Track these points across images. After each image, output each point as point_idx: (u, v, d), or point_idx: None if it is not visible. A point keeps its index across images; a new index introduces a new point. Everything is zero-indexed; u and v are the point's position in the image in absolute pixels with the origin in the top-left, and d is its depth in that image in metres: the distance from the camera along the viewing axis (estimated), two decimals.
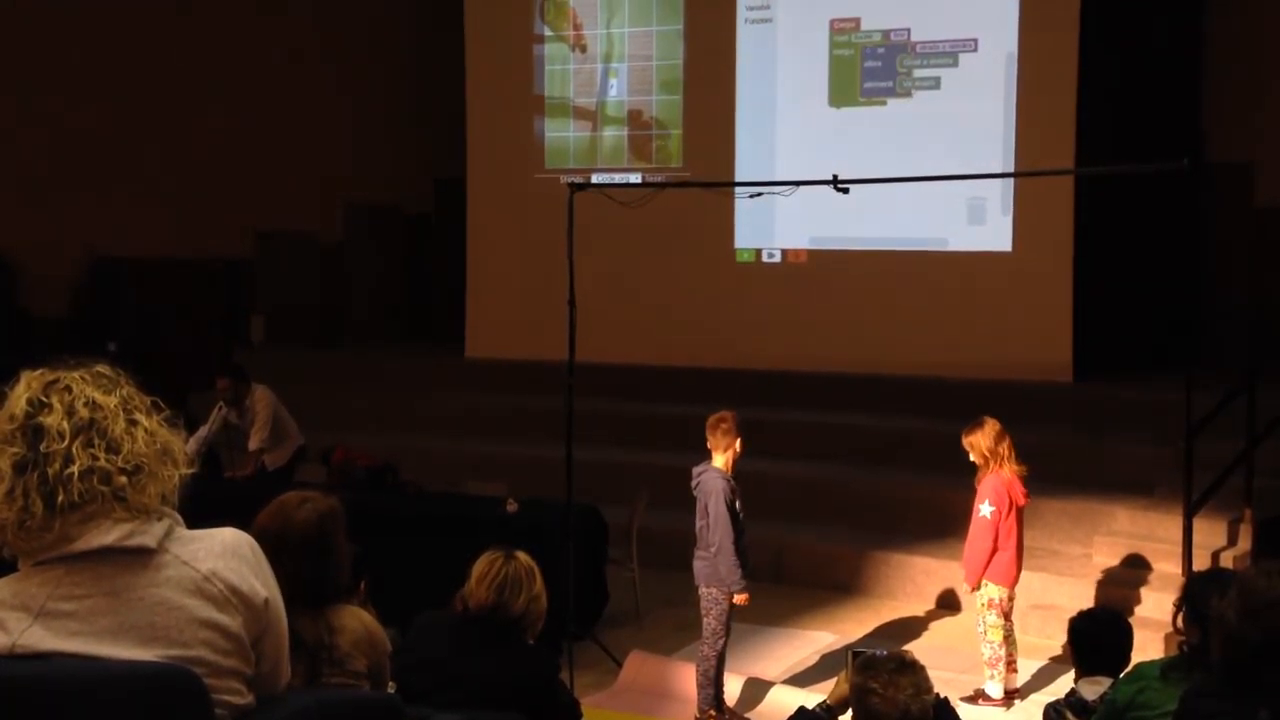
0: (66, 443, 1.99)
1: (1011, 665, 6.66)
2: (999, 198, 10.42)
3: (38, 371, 2.07)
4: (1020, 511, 6.58)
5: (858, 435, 9.87)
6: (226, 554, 2.08)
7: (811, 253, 11.15)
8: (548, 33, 12.11)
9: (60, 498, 1.97)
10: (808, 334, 10.90)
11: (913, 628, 7.85)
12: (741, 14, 11.28)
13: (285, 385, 9.65)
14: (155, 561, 2.01)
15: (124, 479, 2.01)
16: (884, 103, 10.79)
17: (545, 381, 9.35)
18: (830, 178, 6.74)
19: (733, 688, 6.53)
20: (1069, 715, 4.06)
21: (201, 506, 2.24)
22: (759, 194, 8.61)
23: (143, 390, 2.13)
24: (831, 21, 10.95)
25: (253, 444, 8.93)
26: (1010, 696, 6.61)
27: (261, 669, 2.13)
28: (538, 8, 12.10)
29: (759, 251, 11.35)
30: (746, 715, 6.43)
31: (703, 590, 6.28)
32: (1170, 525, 7.62)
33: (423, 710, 3.37)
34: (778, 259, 11.30)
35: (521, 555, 4.03)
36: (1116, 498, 8.35)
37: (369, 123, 13.19)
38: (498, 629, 3.92)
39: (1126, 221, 10.39)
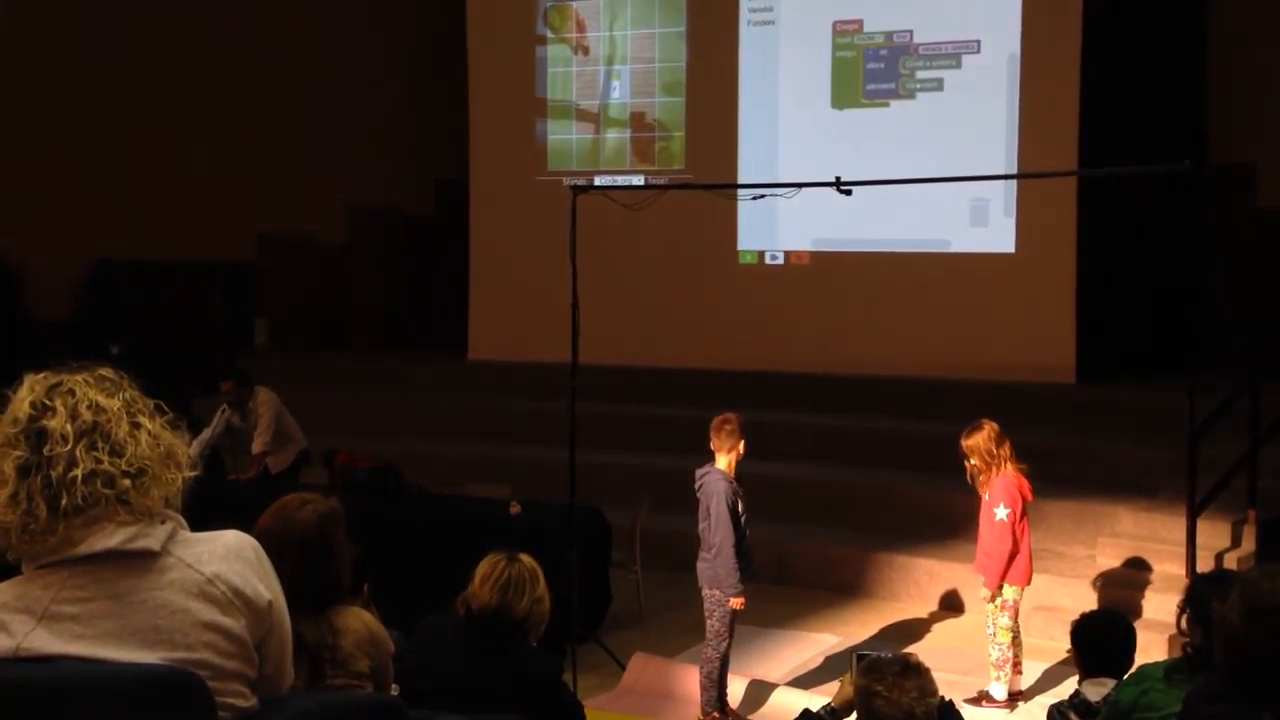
0: (70, 446, 1.99)
1: (1016, 667, 6.65)
2: (1002, 199, 10.41)
3: (41, 375, 2.07)
4: (1026, 511, 6.57)
5: (861, 437, 9.87)
6: (230, 556, 2.08)
7: (814, 255, 11.14)
8: (550, 35, 12.11)
9: (64, 501, 1.97)
10: (810, 336, 10.89)
11: (916, 629, 7.84)
12: (744, 16, 11.28)
13: (288, 388, 9.66)
14: (159, 564, 2.02)
15: (127, 482, 2.01)
16: (886, 104, 10.79)
17: (548, 384, 9.35)
18: (833, 180, 6.73)
19: (736, 690, 6.53)
20: (1072, 717, 4.05)
21: (205, 509, 2.24)
22: (761, 196, 8.62)
23: (146, 393, 2.14)
24: (834, 23, 10.95)
25: (256, 446, 8.93)
26: (1014, 698, 6.60)
27: (265, 671, 2.13)
28: (540, 10, 12.11)
29: (762, 253, 11.35)
30: (750, 717, 6.43)
31: (706, 592, 6.28)
32: (1174, 527, 7.62)
33: (426, 712, 3.37)
34: (780, 261, 11.30)
35: (525, 557, 4.03)
36: (1120, 499, 8.34)
37: (372, 126, 13.20)
38: (501, 631, 3.92)
39: (1129, 223, 10.39)
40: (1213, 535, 7.57)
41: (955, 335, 10.42)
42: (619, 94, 11.84)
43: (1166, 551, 7.69)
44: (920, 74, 10.65)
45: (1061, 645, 7.02)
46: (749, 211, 11.05)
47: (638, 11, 11.71)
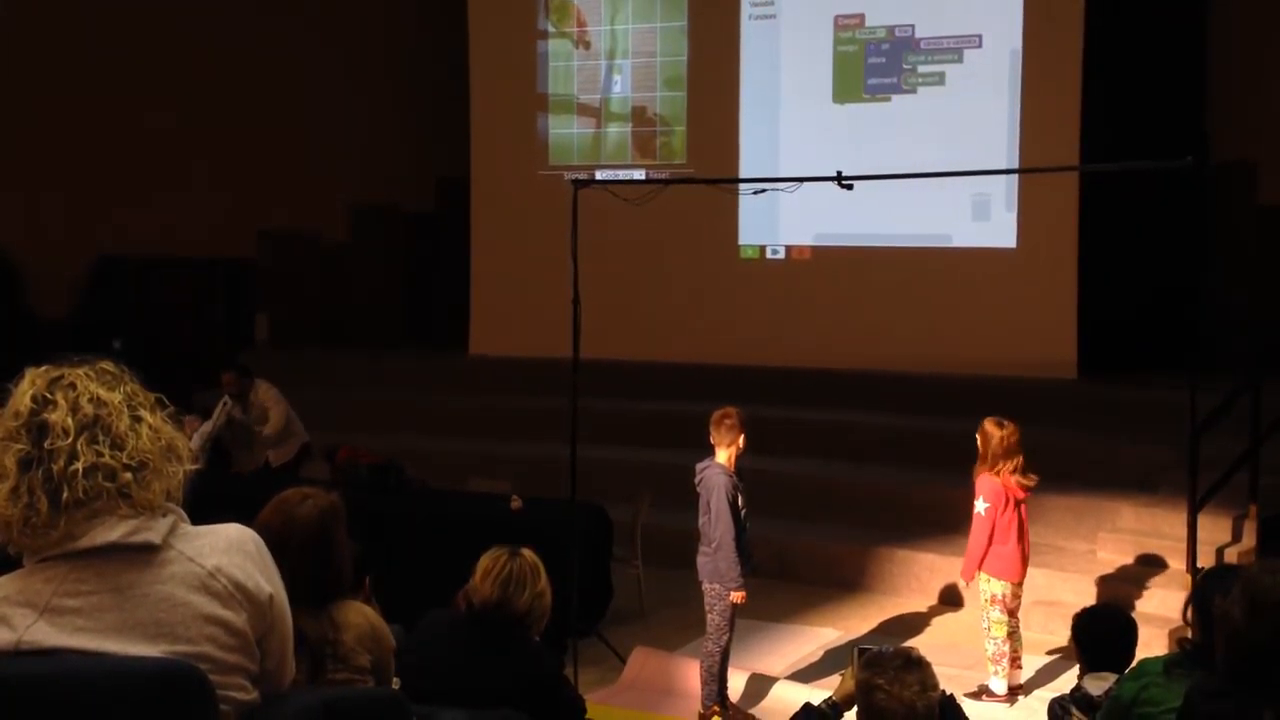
0: (71, 439, 1.99)
1: (1016, 661, 6.65)
2: (1003, 194, 10.41)
3: (42, 368, 2.07)
4: (1022, 507, 6.57)
5: (861, 431, 9.87)
6: (231, 550, 2.08)
7: (815, 249, 11.14)
8: (551, 29, 12.10)
9: (65, 495, 1.97)
10: (811, 331, 10.89)
11: (917, 624, 7.85)
12: (745, 10, 11.27)
13: (289, 385, 9.66)
14: (160, 558, 2.02)
15: (129, 475, 2.01)
16: (888, 99, 10.78)
17: (549, 379, 9.35)
18: (834, 174, 6.73)
19: (737, 684, 6.53)
20: (1074, 711, 4.06)
21: (206, 503, 2.24)
22: (763, 190, 8.61)
23: (146, 387, 2.14)
24: (836, 18, 10.94)
25: (269, 429, 8.94)
26: (1014, 692, 6.61)
27: (266, 665, 2.13)
28: (541, 4, 12.10)
29: (763, 248, 11.34)
30: (750, 711, 6.43)
31: (706, 587, 6.28)
32: (1175, 522, 7.62)
33: (427, 707, 3.37)
34: (781, 256, 11.30)
35: (526, 552, 4.03)
36: (1121, 495, 8.34)
37: (372, 121, 13.19)
38: (502, 626, 3.92)
39: (1130, 218, 10.38)
40: (1213, 531, 7.57)
41: (956, 331, 10.42)
42: (620, 88, 11.84)
43: (1167, 547, 7.70)
44: (922, 69, 10.64)
45: (1062, 639, 7.04)
46: (750, 206, 11.07)
47: (639, 6, 11.70)
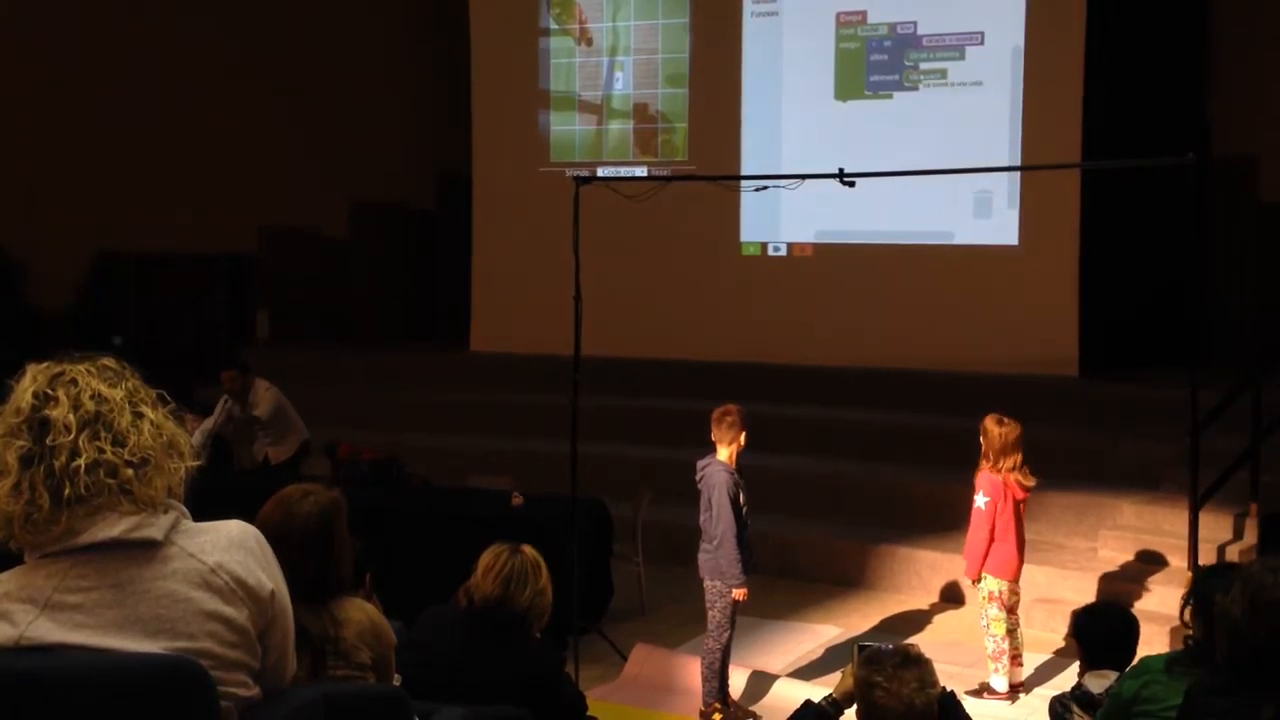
0: (73, 436, 1.99)
1: (1016, 659, 6.65)
2: (1005, 191, 10.40)
3: (43, 365, 2.07)
4: (1020, 505, 6.57)
5: (862, 429, 9.87)
6: (233, 547, 2.08)
7: (817, 247, 11.14)
8: (553, 26, 12.10)
9: (66, 491, 1.97)
10: (813, 328, 10.89)
11: (917, 621, 7.85)
12: (747, 7, 11.27)
13: (290, 381, 9.66)
14: (161, 554, 2.02)
15: (130, 472, 2.01)
16: (890, 96, 10.78)
17: (550, 376, 9.35)
18: (836, 171, 6.73)
19: (738, 681, 6.53)
20: (1074, 709, 4.06)
21: (207, 499, 2.24)
22: (764, 188, 8.61)
23: (148, 384, 2.14)
24: (838, 15, 10.93)
25: (260, 413, 8.95)
26: (1015, 690, 6.61)
27: (267, 662, 2.13)
28: (543, 1, 12.09)
29: (764, 245, 11.34)
30: (751, 709, 6.43)
31: (707, 584, 6.28)
32: (1176, 520, 7.62)
33: (428, 703, 3.37)
34: (783, 253, 11.29)
35: (527, 549, 4.03)
36: (1122, 492, 8.34)
37: (373, 118, 13.19)
38: (503, 623, 3.93)
39: (1132, 215, 10.37)
40: (1214, 528, 7.57)
41: (958, 328, 10.41)
42: (622, 85, 11.83)
43: (1169, 544, 7.70)
44: (924, 66, 10.64)
45: (1063, 637, 7.04)
46: (752, 203, 11.06)
47: (641, 3, 11.69)
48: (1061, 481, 8.31)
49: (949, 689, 3.35)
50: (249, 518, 2.25)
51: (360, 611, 3.18)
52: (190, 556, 2.03)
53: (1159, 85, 10.55)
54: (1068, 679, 5.75)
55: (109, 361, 2.11)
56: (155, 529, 2.02)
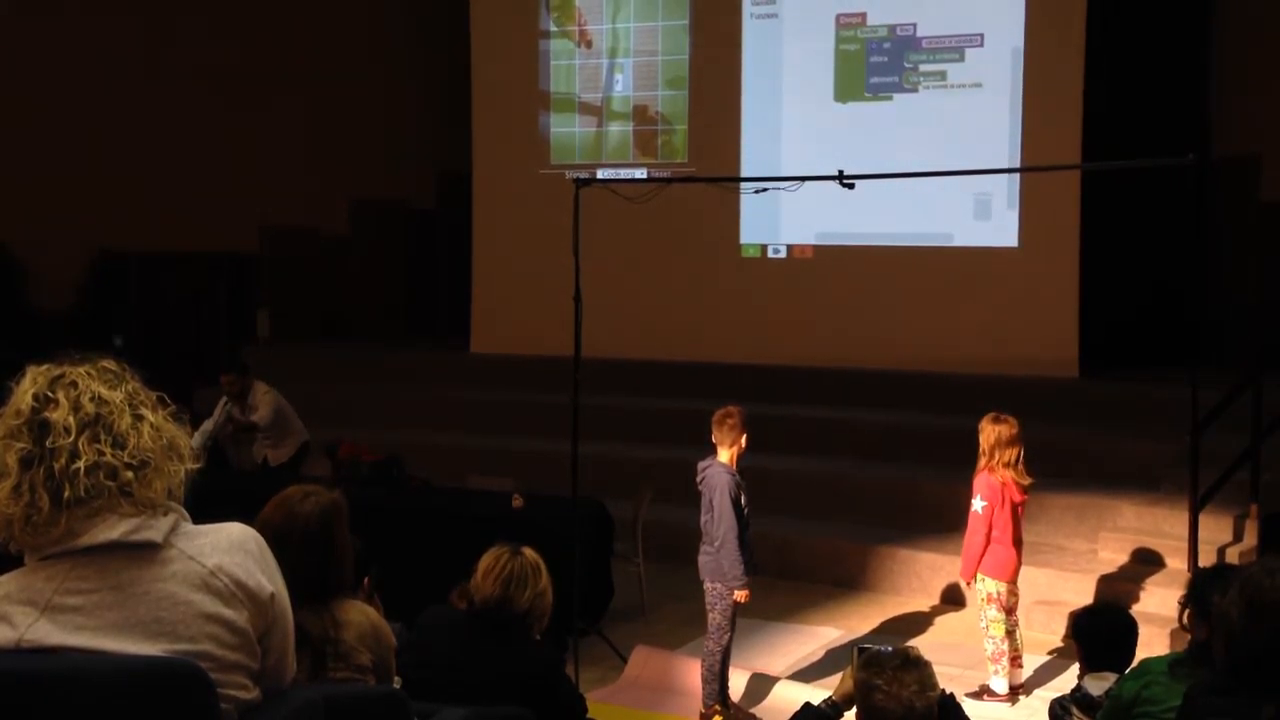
0: (72, 438, 1.99)
1: (1016, 661, 6.65)
2: (1005, 193, 10.40)
3: (44, 366, 2.07)
4: (1018, 507, 6.57)
5: (862, 430, 9.87)
6: (233, 549, 2.08)
7: (817, 248, 11.14)
8: (553, 28, 12.10)
9: (66, 493, 1.97)
10: (813, 329, 10.89)
11: (918, 623, 7.84)
12: (747, 9, 11.27)
13: (290, 380, 9.67)
14: (161, 556, 2.02)
15: (130, 474, 2.01)
16: (890, 98, 10.78)
17: (550, 376, 9.35)
18: (836, 173, 6.73)
19: (738, 683, 6.53)
20: (1074, 711, 4.06)
21: (206, 501, 2.24)
22: (764, 189, 8.61)
23: (148, 385, 2.14)
24: (837, 16, 10.94)
25: (258, 418, 8.94)
26: (1015, 692, 6.60)
27: (267, 663, 2.13)
28: (543, 3, 12.09)
29: (764, 247, 11.34)
30: (751, 710, 6.43)
31: (707, 585, 6.28)
32: (1176, 521, 7.62)
33: (428, 705, 3.37)
34: (783, 254, 11.30)
35: (528, 551, 4.03)
36: (1122, 493, 8.33)
37: (374, 118, 13.19)
38: (503, 624, 3.93)
39: (1132, 216, 10.37)
40: (1215, 529, 7.57)
41: (958, 329, 10.42)
42: (622, 87, 11.84)
43: (1168, 545, 7.70)
44: (924, 67, 10.64)
45: (1063, 639, 7.04)
46: (752, 205, 11.07)
47: (640, 4, 11.69)
48: (1061, 482, 8.31)
49: (949, 691, 3.35)
50: (249, 519, 2.25)
51: (360, 613, 3.18)
52: (190, 559, 2.03)
53: (1159, 85, 10.56)
54: (1067, 681, 5.76)
55: (109, 363, 2.11)
56: (155, 531, 2.02)
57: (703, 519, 6.29)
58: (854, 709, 3.35)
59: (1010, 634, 6.59)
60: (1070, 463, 8.67)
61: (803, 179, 7.38)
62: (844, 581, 8.51)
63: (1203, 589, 3.45)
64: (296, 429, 9.24)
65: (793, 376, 10.58)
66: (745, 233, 11.34)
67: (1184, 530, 7.26)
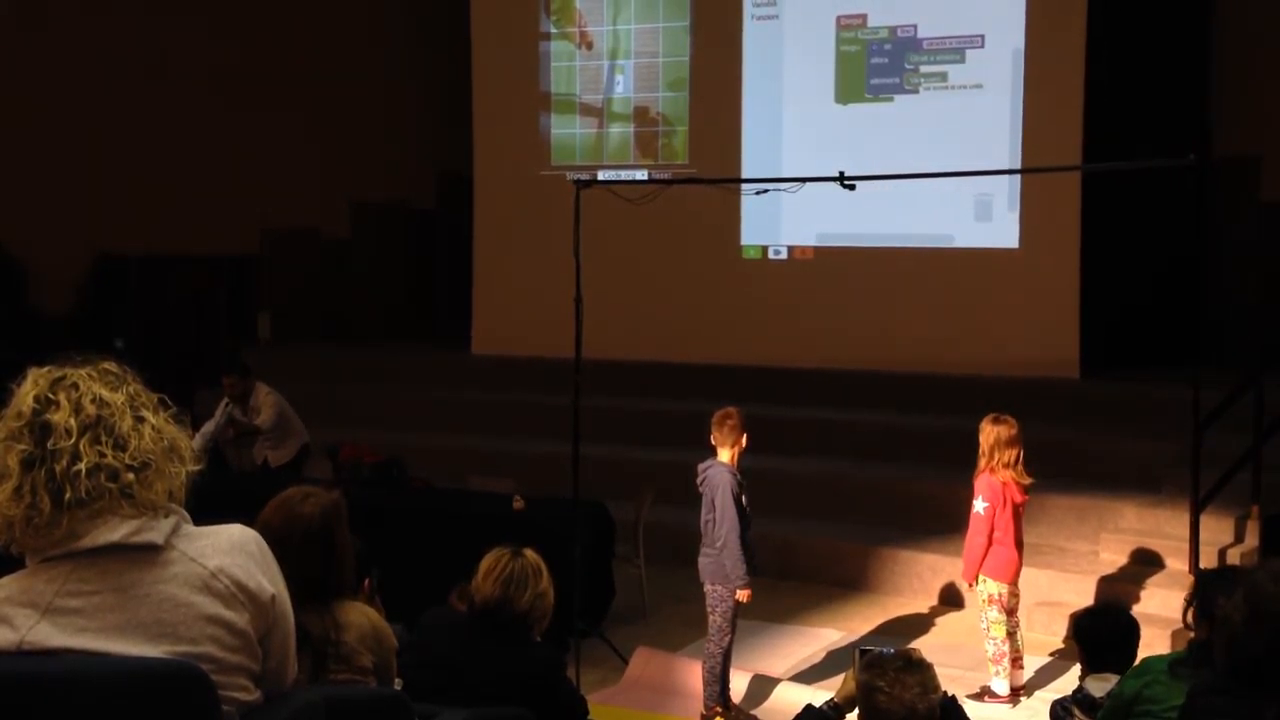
0: (74, 440, 1.99)
1: (1017, 662, 6.65)
2: (1005, 194, 10.40)
3: (45, 369, 2.07)
4: (1018, 508, 6.57)
5: (863, 431, 9.87)
6: (233, 550, 2.08)
7: (818, 250, 11.14)
8: (554, 29, 12.10)
9: (68, 495, 1.97)
10: (813, 331, 10.89)
11: (919, 624, 7.84)
12: (748, 10, 11.27)
13: (291, 382, 9.66)
14: (162, 558, 2.02)
15: (131, 476, 2.01)
16: (890, 99, 10.78)
17: (551, 378, 9.36)
18: (836, 174, 6.73)
19: (739, 684, 6.52)
20: (1076, 712, 4.06)
21: (207, 503, 2.24)
22: (765, 191, 8.61)
23: (149, 387, 2.14)
24: (838, 18, 10.94)
25: (262, 421, 8.93)
26: (1016, 693, 6.60)
27: (268, 665, 2.13)
28: (543, 4, 12.10)
29: (765, 248, 11.34)
30: (752, 712, 6.42)
31: (708, 587, 6.27)
32: (1177, 522, 7.61)
33: (429, 706, 3.37)
34: (784, 256, 11.30)
35: (528, 552, 4.03)
36: (1123, 494, 8.33)
37: (374, 119, 13.19)
38: (504, 625, 3.92)
39: (1133, 217, 10.38)
40: (1216, 530, 7.56)
41: (959, 330, 10.41)
42: (622, 88, 11.84)
43: (1170, 546, 7.69)
44: (924, 69, 10.64)
45: (1064, 640, 7.03)
46: (752, 206, 11.07)
47: (641, 6, 11.70)
48: (1062, 484, 8.31)
49: (950, 693, 3.35)
50: (249, 521, 2.25)
51: (361, 615, 3.18)
52: (191, 561, 2.03)
53: (1159, 86, 10.56)
54: (1069, 682, 5.75)
55: (110, 365, 2.11)
56: (156, 533, 2.02)
57: (703, 520, 6.29)
58: (856, 711, 3.35)
59: (1011, 635, 6.59)
60: (1071, 464, 8.67)
61: (803, 180, 7.39)
62: (845, 582, 8.51)
63: (1208, 589, 3.44)
64: (297, 430, 9.24)
65: (793, 377, 10.58)
66: (746, 234, 11.34)
67: (1185, 531, 7.26)
